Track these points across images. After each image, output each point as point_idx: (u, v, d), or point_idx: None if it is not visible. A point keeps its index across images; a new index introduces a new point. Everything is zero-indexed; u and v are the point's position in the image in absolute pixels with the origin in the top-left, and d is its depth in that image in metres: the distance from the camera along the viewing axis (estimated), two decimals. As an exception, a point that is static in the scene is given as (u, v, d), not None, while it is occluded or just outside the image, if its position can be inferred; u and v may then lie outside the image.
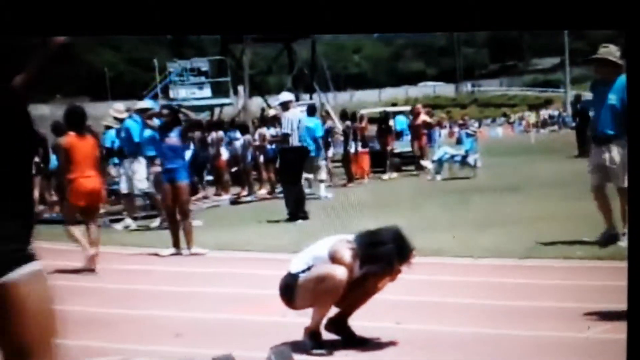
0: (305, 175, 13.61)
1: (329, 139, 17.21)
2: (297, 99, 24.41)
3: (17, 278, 2.79)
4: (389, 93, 50.17)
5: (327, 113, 23.55)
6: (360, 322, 5.44)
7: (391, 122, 20.64)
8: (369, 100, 42.61)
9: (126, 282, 8.29)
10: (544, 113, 43.95)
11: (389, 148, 18.94)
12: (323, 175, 15.80)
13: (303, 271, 5.28)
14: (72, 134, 9.03)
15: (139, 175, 12.55)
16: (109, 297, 7.54)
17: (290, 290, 5.29)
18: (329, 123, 18.65)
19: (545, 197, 12.18)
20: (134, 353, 5.44)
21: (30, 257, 2.85)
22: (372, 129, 19.94)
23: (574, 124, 22.71)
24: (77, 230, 9.11)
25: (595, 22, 3.80)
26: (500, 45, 66.04)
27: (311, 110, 16.71)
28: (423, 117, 18.68)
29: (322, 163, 16.12)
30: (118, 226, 12.48)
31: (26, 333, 2.87)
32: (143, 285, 8.03)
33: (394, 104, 18.50)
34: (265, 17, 3.60)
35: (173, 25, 3.70)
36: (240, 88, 26.95)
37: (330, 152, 18.56)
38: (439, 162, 17.41)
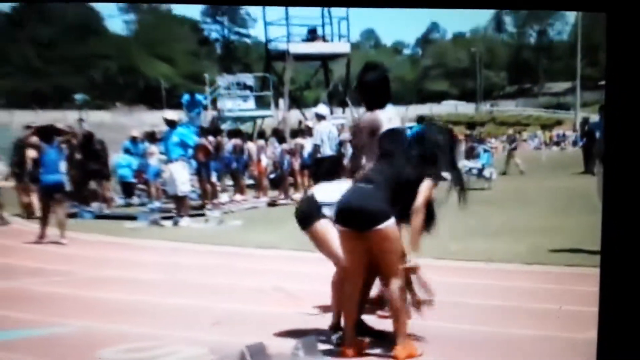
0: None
1: (342, 150, 17.04)
2: (331, 113, 24.42)
3: (388, 224, 4.65)
4: (415, 109, 50.03)
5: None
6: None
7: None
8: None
9: (169, 273, 8.34)
10: (555, 133, 43.57)
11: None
12: None
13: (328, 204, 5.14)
14: None
15: (181, 178, 12.60)
16: (155, 287, 7.60)
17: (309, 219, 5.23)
18: (343, 135, 18.45)
19: (553, 209, 12.08)
20: (173, 339, 5.46)
21: (390, 215, 4.66)
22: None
23: (581, 144, 22.48)
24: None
25: (576, 3, 3.65)
26: (519, 69, 65.69)
27: (421, 120, 16.75)
28: None
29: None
30: (167, 223, 12.56)
31: (388, 256, 4.71)
32: (185, 276, 8.08)
33: (421, 118, 18.11)
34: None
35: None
36: (281, 101, 27.03)
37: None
38: (458, 174, 17.34)
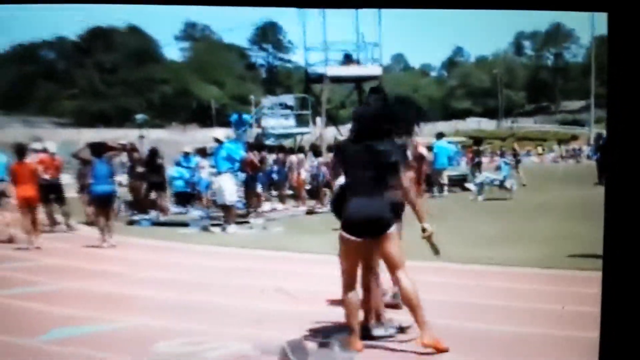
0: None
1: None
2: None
3: (394, 229, 4.84)
4: (441, 126, 49.66)
5: None
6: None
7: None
8: (423, 131, 42.10)
9: (216, 274, 8.39)
10: (571, 147, 42.99)
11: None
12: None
13: None
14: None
15: (229, 189, 12.69)
16: (203, 287, 7.64)
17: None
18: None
19: (568, 217, 11.90)
20: (220, 335, 5.50)
21: (393, 221, 4.87)
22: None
23: (595, 157, 22.11)
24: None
25: (578, 3, 3.56)
26: (537, 89, 64.99)
27: (440, 136, 17.04)
28: (421, 150, 17.51)
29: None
30: (216, 229, 12.66)
31: (396, 253, 4.83)
32: (231, 277, 8.12)
33: (440, 134, 18.26)
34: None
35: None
36: (319, 119, 27.13)
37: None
38: (481, 185, 17.19)
